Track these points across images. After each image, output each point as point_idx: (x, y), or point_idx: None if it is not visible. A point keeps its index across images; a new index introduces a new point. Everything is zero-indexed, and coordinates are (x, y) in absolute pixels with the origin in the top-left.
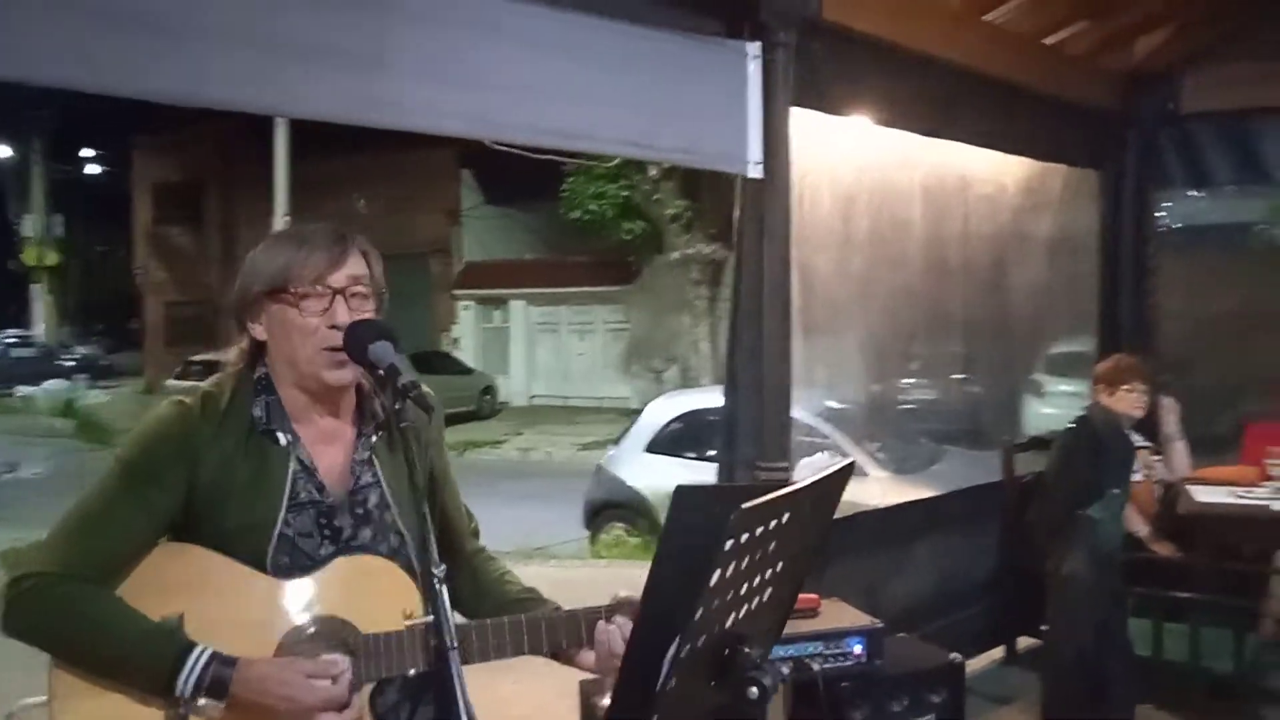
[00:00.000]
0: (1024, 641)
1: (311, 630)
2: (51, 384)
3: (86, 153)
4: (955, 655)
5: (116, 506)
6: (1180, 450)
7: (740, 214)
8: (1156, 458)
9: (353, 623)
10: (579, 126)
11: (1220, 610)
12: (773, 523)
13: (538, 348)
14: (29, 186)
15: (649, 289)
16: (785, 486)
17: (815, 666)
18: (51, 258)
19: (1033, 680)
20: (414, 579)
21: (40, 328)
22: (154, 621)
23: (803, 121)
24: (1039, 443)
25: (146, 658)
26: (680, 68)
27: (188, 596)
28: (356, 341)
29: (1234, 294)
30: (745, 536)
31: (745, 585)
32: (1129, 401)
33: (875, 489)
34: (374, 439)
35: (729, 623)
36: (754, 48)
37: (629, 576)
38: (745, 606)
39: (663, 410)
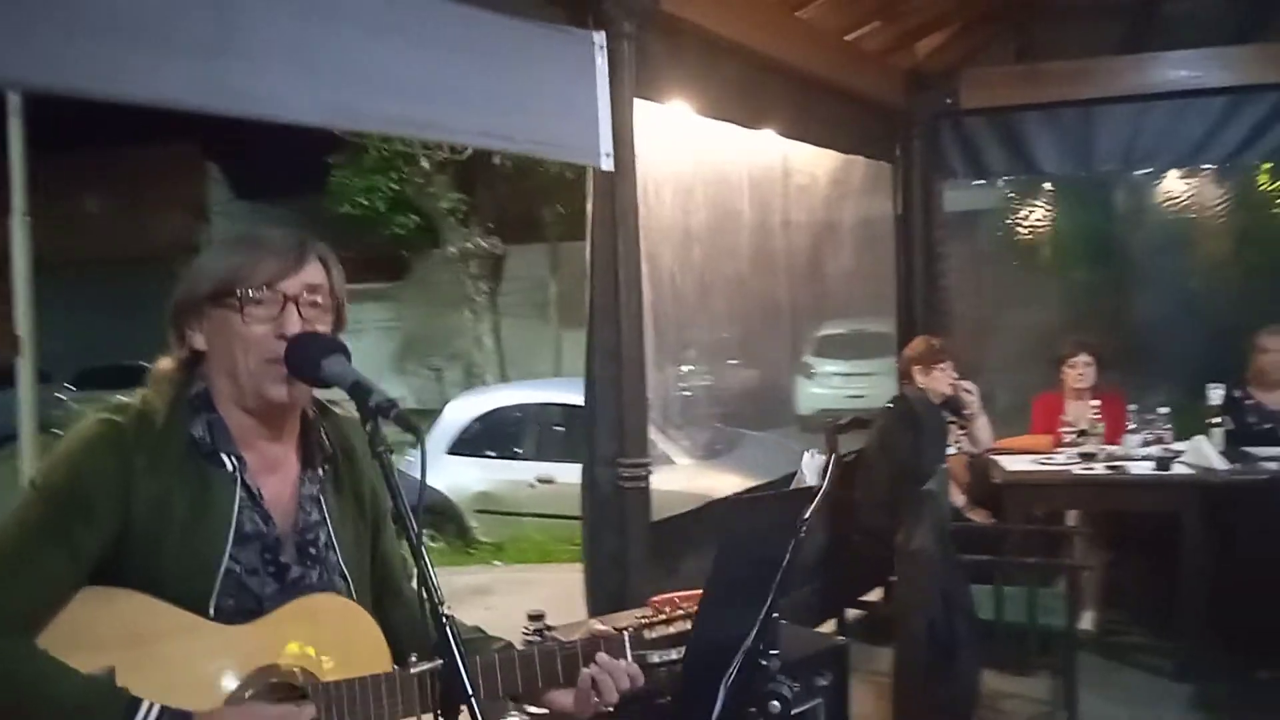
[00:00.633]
0: (851, 613)
1: (264, 683)
2: None
3: None
4: (840, 638)
5: (36, 545)
6: (984, 424)
7: (592, 208)
8: (961, 432)
9: (311, 671)
10: (430, 115)
11: (1033, 570)
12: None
13: None
14: None
15: (422, 285)
16: (793, 491)
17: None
18: None
19: (868, 650)
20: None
21: None
22: (91, 678)
23: (641, 112)
24: (859, 423)
25: None
26: (531, 56)
27: (120, 650)
28: (303, 356)
29: (1011, 276)
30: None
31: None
32: (941, 380)
33: (682, 476)
34: (320, 472)
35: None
36: (600, 37)
37: (446, 583)
38: (764, 618)
39: (463, 411)
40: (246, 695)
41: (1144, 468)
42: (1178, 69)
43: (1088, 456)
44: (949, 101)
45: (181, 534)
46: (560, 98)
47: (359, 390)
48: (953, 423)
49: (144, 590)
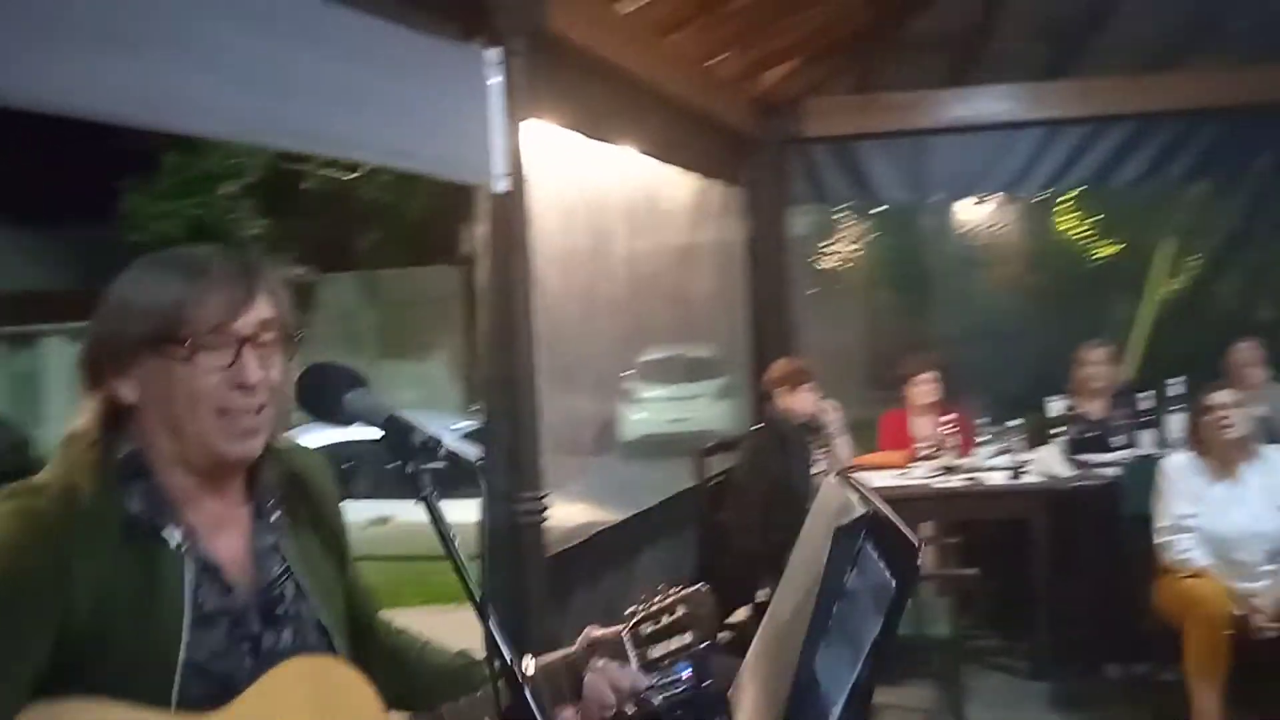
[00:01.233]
0: (722, 635)
1: None
2: None
3: None
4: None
5: None
6: (844, 443)
7: (485, 232)
8: (823, 451)
9: None
10: (325, 128)
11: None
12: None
13: None
14: None
15: None
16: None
17: (656, 700)
18: None
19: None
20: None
21: None
22: None
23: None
24: (724, 445)
25: None
26: (428, 71)
27: None
28: (319, 392)
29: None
30: None
31: None
32: (806, 400)
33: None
34: (273, 518)
35: None
36: (492, 54)
37: None
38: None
39: None
40: None
41: (998, 478)
42: (998, 102)
43: (948, 470)
44: (794, 129)
45: (130, 630)
46: (455, 115)
47: (396, 427)
48: (815, 442)
49: (95, 692)
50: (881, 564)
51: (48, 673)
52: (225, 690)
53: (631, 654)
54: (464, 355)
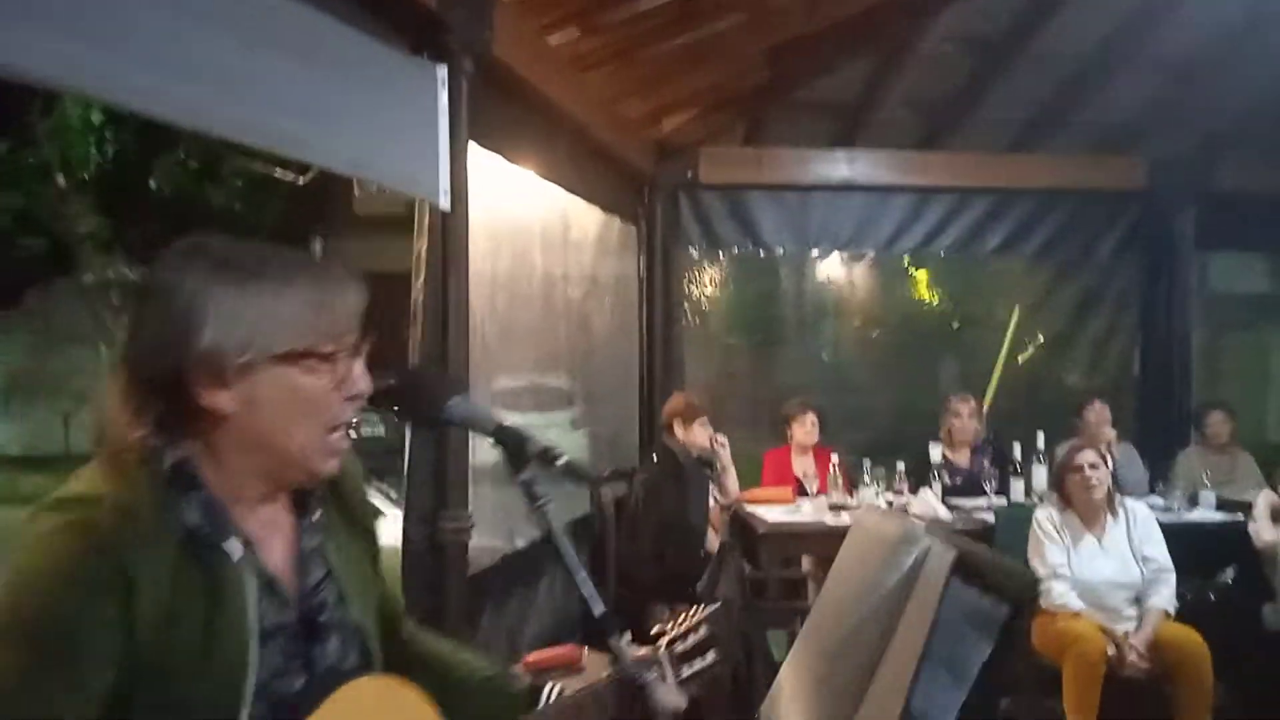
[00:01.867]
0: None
1: None
2: None
3: None
4: None
5: (27, 707)
6: (733, 477)
7: (428, 248)
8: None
9: None
10: (276, 124)
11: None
12: None
13: None
14: None
15: (42, 315)
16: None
17: None
18: None
19: None
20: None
21: None
22: None
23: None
24: (618, 474)
25: None
26: (383, 81)
27: None
28: (422, 398)
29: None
30: None
31: None
32: (700, 434)
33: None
34: (315, 517)
35: None
36: (442, 71)
37: None
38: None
39: None
40: None
41: None
42: (874, 167)
43: (836, 508)
44: (689, 175)
45: (197, 653)
46: (407, 129)
47: (509, 435)
48: (709, 476)
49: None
50: (977, 592)
51: (113, 702)
52: (282, 712)
53: (669, 672)
54: None
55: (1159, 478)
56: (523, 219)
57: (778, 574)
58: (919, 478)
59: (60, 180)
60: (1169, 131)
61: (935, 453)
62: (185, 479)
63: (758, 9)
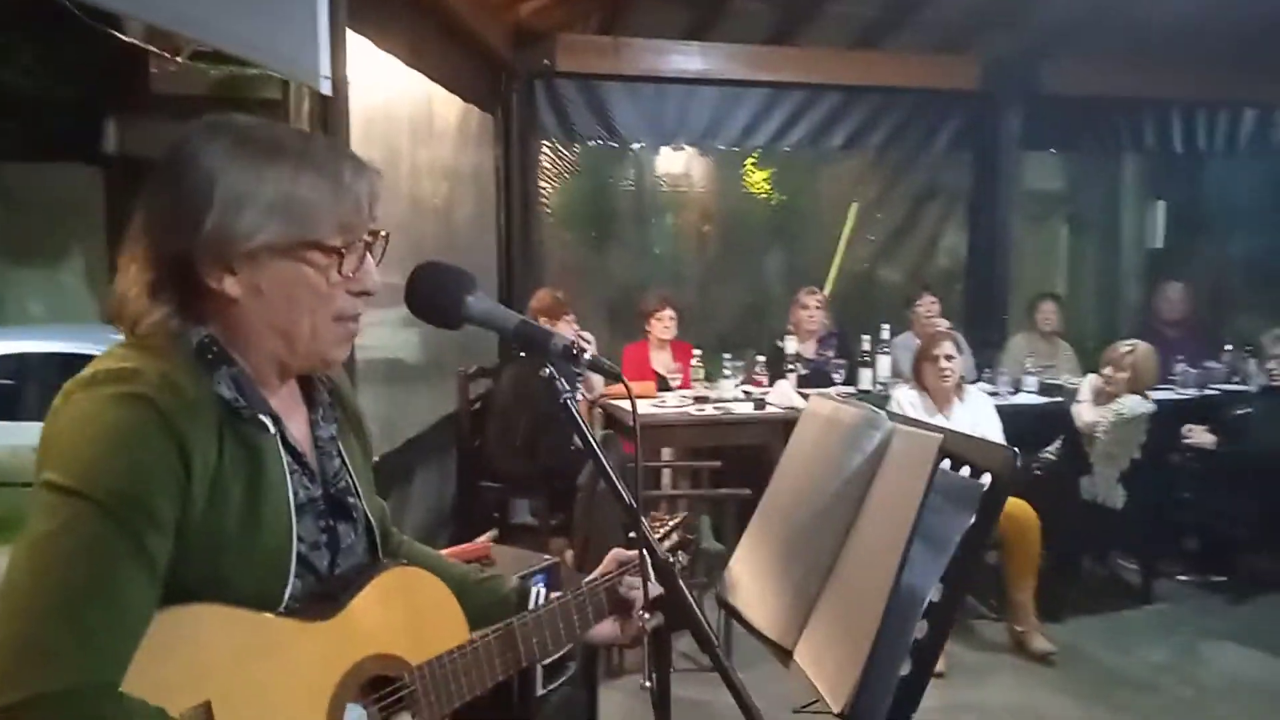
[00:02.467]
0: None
1: (361, 682)
2: None
3: None
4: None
5: (115, 570)
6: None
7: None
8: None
9: (400, 656)
10: (174, 6)
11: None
12: None
13: None
14: None
15: None
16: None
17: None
18: None
19: None
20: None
21: None
22: None
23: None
24: (485, 371)
25: None
26: None
27: (207, 681)
28: (440, 296)
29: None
30: None
31: None
32: (566, 331)
33: None
34: (326, 409)
35: None
36: None
37: None
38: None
39: None
40: (350, 702)
41: (745, 408)
42: (731, 60)
43: (700, 400)
44: (546, 63)
45: (243, 521)
46: (289, 10)
47: (530, 332)
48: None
49: (208, 594)
50: (954, 468)
51: (170, 568)
52: (318, 595)
53: (651, 573)
54: (102, 264)
55: (984, 364)
56: (392, 106)
57: (646, 464)
58: (774, 370)
59: None
60: (1001, 34)
61: (791, 345)
62: (216, 355)
63: None
